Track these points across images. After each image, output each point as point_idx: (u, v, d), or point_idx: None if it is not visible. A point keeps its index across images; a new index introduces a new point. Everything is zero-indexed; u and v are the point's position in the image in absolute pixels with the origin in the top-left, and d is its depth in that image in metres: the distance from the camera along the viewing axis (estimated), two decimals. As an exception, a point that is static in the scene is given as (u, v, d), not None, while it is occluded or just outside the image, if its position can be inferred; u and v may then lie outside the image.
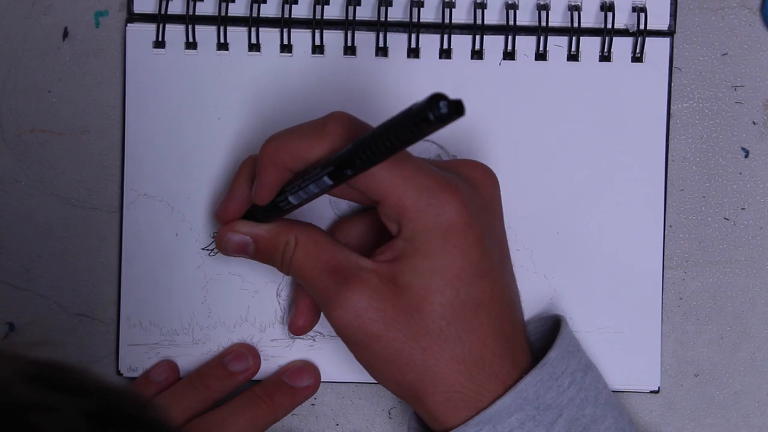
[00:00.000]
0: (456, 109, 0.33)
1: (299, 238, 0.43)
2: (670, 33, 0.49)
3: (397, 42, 0.49)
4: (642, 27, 0.49)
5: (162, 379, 0.49)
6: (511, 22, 0.49)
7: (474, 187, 0.42)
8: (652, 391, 0.50)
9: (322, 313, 0.45)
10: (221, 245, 0.45)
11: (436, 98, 0.33)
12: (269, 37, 0.50)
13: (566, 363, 0.43)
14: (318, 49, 0.49)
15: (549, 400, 0.41)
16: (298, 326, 0.48)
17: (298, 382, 0.49)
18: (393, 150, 0.36)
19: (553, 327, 0.46)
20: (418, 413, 0.43)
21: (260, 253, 0.45)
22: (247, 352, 0.49)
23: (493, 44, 0.49)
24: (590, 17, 0.49)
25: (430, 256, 0.40)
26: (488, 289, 0.41)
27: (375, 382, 0.50)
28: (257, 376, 0.50)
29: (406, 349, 0.41)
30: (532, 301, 0.49)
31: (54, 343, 0.50)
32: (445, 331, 0.41)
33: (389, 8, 0.49)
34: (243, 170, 0.45)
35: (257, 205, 0.44)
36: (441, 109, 0.33)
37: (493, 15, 0.49)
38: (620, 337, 0.49)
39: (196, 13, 0.49)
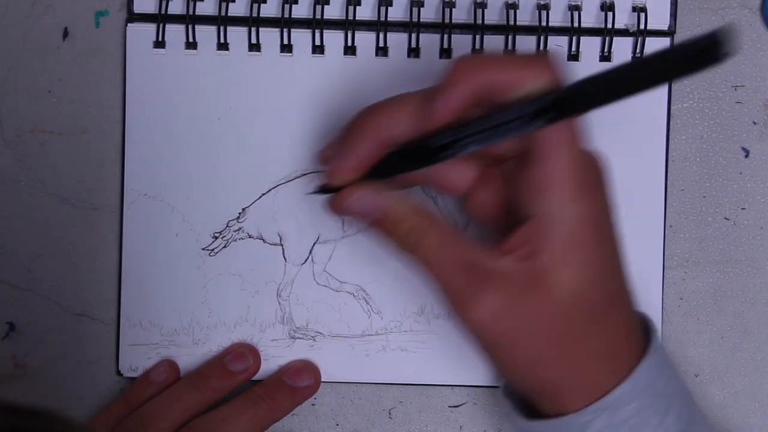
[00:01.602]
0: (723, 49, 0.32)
1: (432, 223, 0.40)
2: (670, 33, 0.49)
3: (397, 42, 0.49)
4: (642, 27, 0.49)
5: (162, 379, 0.49)
6: (511, 22, 0.49)
7: (605, 182, 0.40)
8: (652, 391, 0.50)
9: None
10: (341, 207, 0.41)
11: (722, 34, 0.31)
12: (269, 37, 0.50)
13: (663, 355, 0.42)
14: (318, 49, 0.49)
15: (660, 388, 0.41)
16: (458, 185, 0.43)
17: (299, 382, 0.49)
18: (631, 91, 0.34)
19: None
20: (541, 403, 0.42)
21: (385, 225, 0.41)
22: (247, 352, 0.49)
23: (494, 44, 0.49)
24: (590, 17, 0.49)
25: (573, 247, 0.38)
26: (621, 282, 0.41)
27: (375, 382, 0.50)
28: (257, 376, 0.50)
29: (548, 351, 0.39)
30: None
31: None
32: (587, 330, 0.39)
33: (389, 8, 0.49)
34: (373, 121, 0.41)
35: (403, 146, 0.40)
36: (723, 50, 0.31)
37: (493, 15, 0.49)
38: (620, 337, 0.49)
39: (196, 13, 0.49)
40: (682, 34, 0.50)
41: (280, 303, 0.50)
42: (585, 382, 0.40)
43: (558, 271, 0.38)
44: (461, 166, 0.43)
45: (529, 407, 0.43)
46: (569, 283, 0.39)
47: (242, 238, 0.50)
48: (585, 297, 0.39)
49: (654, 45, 0.49)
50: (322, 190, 0.43)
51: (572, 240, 0.38)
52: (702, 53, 0.32)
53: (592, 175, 0.39)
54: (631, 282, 0.42)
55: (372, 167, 0.41)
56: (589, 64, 0.49)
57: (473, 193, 0.43)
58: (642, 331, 0.43)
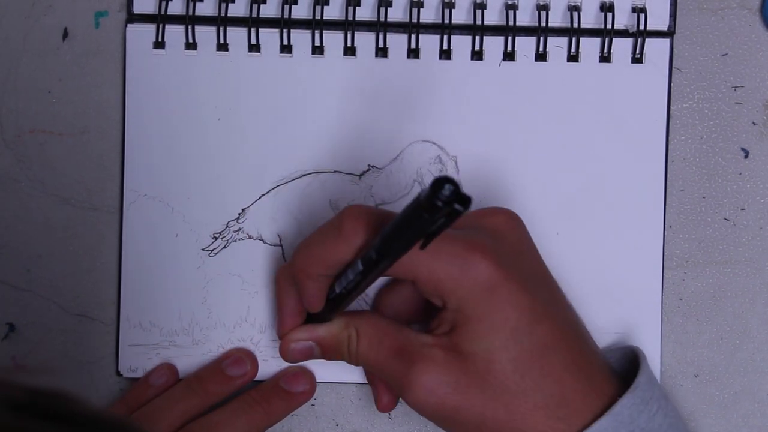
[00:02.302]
0: (459, 197, 0.33)
1: (360, 329, 0.44)
2: (669, 33, 0.49)
3: (397, 42, 0.49)
4: (642, 27, 0.49)
5: (161, 382, 0.49)
6: (511, 23, 0.49)
7: (500, 237, 0.42)
8: (651, 392, 0.50)
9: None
10: (286, 355, 0.46)
11: (440, 182, 0.32)
12: (269, 37, 0.50)
13: (652, 389, 0.42)
14: (318, 50, 0.49)
15: (642, 424, 0.41)
16: (384, 404, 0.47)
17: (295, 387, 0.49)
18: (414, 240, 0.36)
19: (624, 357, 0.46)
20: None
21: (327, 352, 0.45)
22: (245, 357, 0.49)
23: (493, 45, 0.49)
24: (590, 18, 0.49)
25: (482, 319, 0.40)
26: (549, 330, 0.41)
27: (375, 382, 0.50)
28: (257, 377, 0.50)
29: (488, 411, 0.41)
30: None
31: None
32: (521, 385, 0.41)
33: (389, 8, 0.49)
34: (281, 283, 0.46)
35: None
36: (444, 192, 0.32)
37: (493, 15, 0.49)
38: (620, 338, 0.49)
39: (196, 14, 0.49)
40: (682, 35, 0.50)
41: (279, 303, 0.50)
42: None
43: (471, 342, 0.41)
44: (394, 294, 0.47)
45: None
46: (483, 349, 0.40)
47: (242, 239, 0.50)
48: (504, 357, 0.40)
49: (654, 45, 0.49)
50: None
51: (476, 314, 0.41)
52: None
53: (464, 251, 0.40)
54: (580, 323, 0.44)
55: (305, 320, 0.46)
56: (588, 65, 0.49)
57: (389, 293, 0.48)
58: (627, 364, 0.44)
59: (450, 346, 0.41)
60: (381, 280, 0.45)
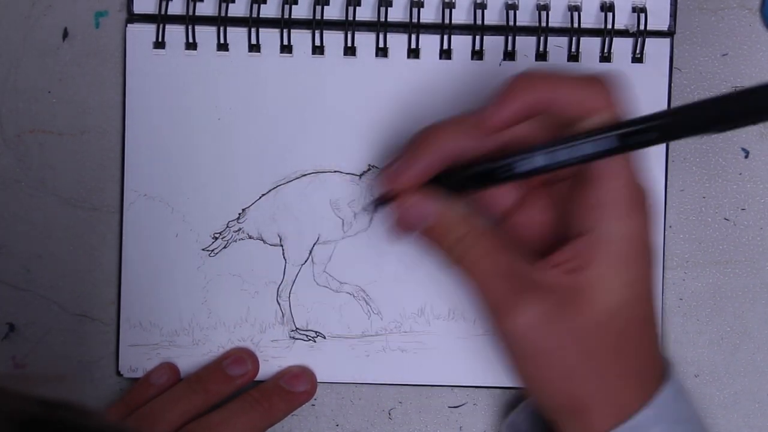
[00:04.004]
0: None
1: (483, 232, 0.41)
2: (670, 33, 0.49)
3: (397, 42, 0.49)
4: (642, 27, 0.49)
5: (162, 381, 0.49)
6: (511, 23, 0.49)
7: (647, 201, 0.40)
8: (651, 392, 0.50)
9: None
10: (397, 213, 0.42)
11: None
12: (269, 37, 0.50)
13: (681, 380, 0.42)
14: (318, 50, 0.49)
15: (682, 414, 0.41)
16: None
17: (295, 387, 0.49)
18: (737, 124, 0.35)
19: None
20: (560, 420, 0.41)
21: (433, 233, 0.41)
22: (246, 357, 0.50)
23: (493, 45, 0.49)
24: (590, 18, 0.49)
25: (620, 267, 0.39)
26: (653, 305, 0.41)
27: (375, 382, 0.50)
28: (257, 377, 0.50)
29: (581, 365, 0.39)
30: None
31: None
32: (622, 348, 0.40)
33: (389, 8, 0.49)
34: (440, 134, 0.41)
35: (461, 164, 0.40)
36: None
37: (493, 15, 0.49)
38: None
39: (196, 14, 0.49)
40: (682, 35, 0.50)
41: (280, 304, 0.50)
42: (613, 401, 0.40)
43: (602, 287, 0.39)
44: (506, 188, 0.43)
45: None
46: (611, 300, 0.39)
47: (242, 239, 0.50)
48: (623, 315, 0.39)
49: (654, 45, 0.49)
50: (379, 201, 0.44)
51: (621, 257, 0.39)
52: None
53: (643, 199, 0.40)
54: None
55: (431, 180, 0.41)
56: (588, 65, 0.49)
57: (516, 214, 0.44)
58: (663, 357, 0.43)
59: (571, 287, 0.39)
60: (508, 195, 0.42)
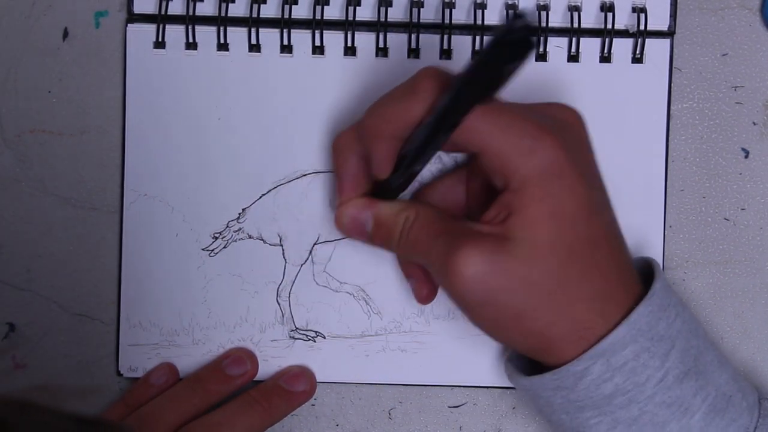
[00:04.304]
0: (528, 29, 0.33)
1: (419, 211, 0.43)
2: (670, 33, 0.49)
3: (397, 42, 0.49)
4: (642, 28, 0.49)
5: (162, 382, 0.49)
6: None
7: (567, 127, 0.42)
8: (651, 392, 0.50)
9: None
10: (340, 224, 0.45)
11: (514, 18, 0.33)
12: (269, 37, 0.50)
13: (669, 296, 0.42)
14: (318, 50, 0.49)
15: (661, 331, 0.41)
16: (424, 295, 0.47)
17: (295, 387, 0.49)
18: (489, 85, 0.36)
19: (639, 269, 0.45)
20: (539, 359, 0.43)
21: (379, 231, 0.44)
22: (245, 357, 0.50)
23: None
24: (590, 18, 0.49)
25: (542, 202, 0.40)
26: (602, 224, 0.41)
27: (375, 382, 0.50)
28: (257, 376, 0.50)
29: (533, 299, 0.40)
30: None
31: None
32: (569, 274, 0.40)
33: (389, 8, 0.49)
34: (341, 150, 0.45)
35: (379, 181, 0.44)
36: (518, 23, 0.33)
37: (493, 15, 0.49)
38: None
39: (196, 14, 0.49)
40: (682, 35, 0.50)
41: (279, 303, 0.50)
42: (575, 327, 0.40)
43: (526, 226, 0.40)
44: (450, 190, 0.47)
45: (533, 366, 0.44)
46: (538, 234, 0.40)
47: (242, 239, 0.50)
48: (558, 244, 0.40)
49: (654, 45, 0.49)
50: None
51: (536, 195, 0.40)
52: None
53: (535, 129, 0.40)
54: (618, 225, 0.43)
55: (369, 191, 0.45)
56: (589, 65, 0.49)
57: (451, 189, 0.47)
58: (640, 275, 0.43)
59: (502, 233, 0.40)
60: (425, 175, 0.45)
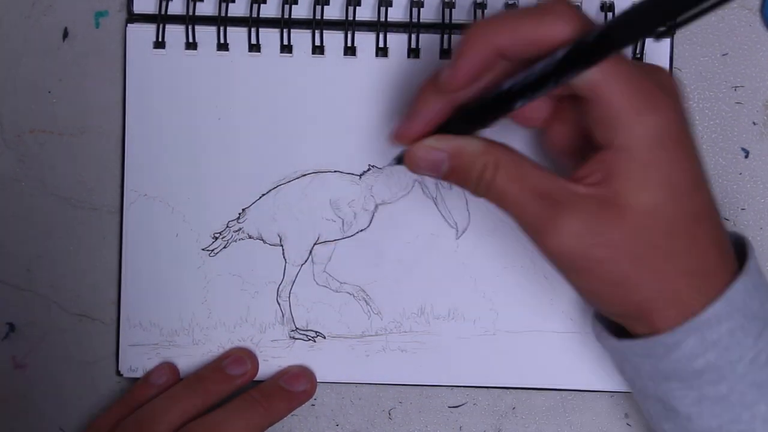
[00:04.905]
0: None
1: (502, 159, 0.40)
2: (670, 33, 0.49)
3: (397, 42, 0.49)
4: (642, 27, 0.49)
5: (162, 381, 0.49)
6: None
7: (677, 96, 0.40)
8: (651, 392, 0.50)
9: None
10: (413, 159, 0.42)
11: None
12: (269, 37, 0.50)
13: (760, 276, 0.42)
14: (318, 50, 0.49)
15: (755, 310, 0.40)
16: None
17: (295, 387, 0.49)
18: (651, 26, 0.34)
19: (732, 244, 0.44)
20: (629, 326, 0.42)
21: (454, 171, 0.41)
22: (245, 357, 0.50)
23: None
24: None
25: (651, 169, 0.38)
26: (705, 198, 0.40)
27: (375, 382, 0.50)
28: (257, 377, 0.50)
29: (634, 270, 0.39)
30: (532, 301, 0.49)
31: None
32: (672, 246, 0.39)
33: (389, 8, 0.49)
34: (427, 88, 0.42)
35: (456, 110, 0.41)
36: None
37: (493, 15, 0.49)
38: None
39: (196, 14, 0.49)
40: (682, 35, 0.50)
41: (279, 303, 0.50)
42: (673, 301, 0.40)
43: (632, 193, 0.38)
44: (536, 103, 0.43)
45: (621, 329, 0.43)
46: (644, 203, 0.39)
47: (242, 239, 0.50)
48: (663, 215, 0.39)
49: (654, 45, 0.49)
50: (399, 160, 0.44)
51: (644, 160, 0.38)
52: None
53: (654, 90, 0.38)
54: (716, 200, 0.42)
55: (439, 127, 0.42)
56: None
57: (549, 128, 0.44)
58: (734, 252, 0.42)
59: (605, 197, 0.39)
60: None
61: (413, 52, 0.49)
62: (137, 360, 0.50)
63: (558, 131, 0.44)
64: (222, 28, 0.49)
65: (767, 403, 0.40)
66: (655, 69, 0.41)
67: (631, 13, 0.35)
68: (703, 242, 0.40)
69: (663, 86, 0.39)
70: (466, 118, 0.41)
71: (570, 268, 0.40)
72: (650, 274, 0.39)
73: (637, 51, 0.49)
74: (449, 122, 0.42)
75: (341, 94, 0.50)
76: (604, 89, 0.38)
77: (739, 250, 0.43)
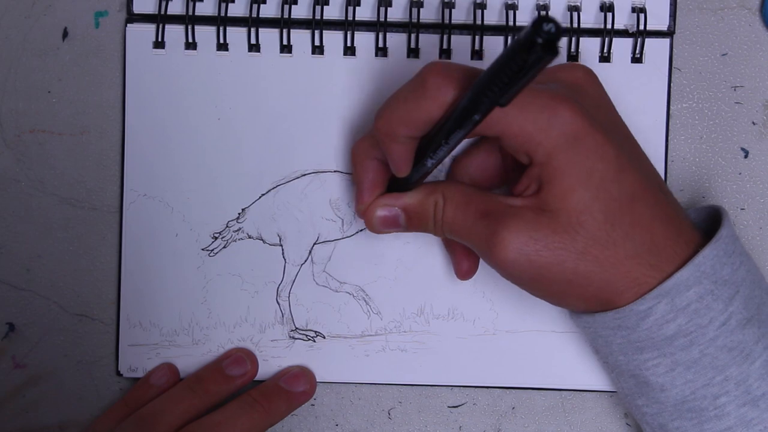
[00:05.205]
0: (557, 31, 0.32)
1: (446, 193, 0.43)
2: (669, 33, 0.49)
3: (397, 42, 0.49)
4: (642, 27, 0.49)
5: (162, 382, 0.49)
6: (511, 23, 0.49)
7: (580, 90, 0.42)
8: (651, 392, 0.50)
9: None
10: (371, 224, 0.45)
11: (540, 20, 0.31)
12: (269, 37, 0.50)
13: (734, 243, 0.42)
14: (318, 50, 0.49)
15: (725, 276, 0.41)
16: (464, 271, 0.48)
17: (295, 387, 0.49)
18: (510, 87, 0.35)
19: (707, 216, 0.45)
20: (599, 311, 0.43)
21: (412, 221, 0.45)
22: (245, 357, 0.50)
23: (493, 44, 0.49)
24: (590, 18, 0.49)
25: (571, 170, 0.40)
26: (636, 179, 0.41)
27: (374, 382, 0.50)
28: (257, 376, 0.50)
29: (580, 265, 0.41)
30: (531, 301, 0.49)
31: None
32: (612, 235, 0.40)
33: (389, 8, 0.49)
34: (359, 157, 0.45)
35: (398, 178, 0.44)
36: (545, 28, 0.31)
37: (492, 15, 0.49)
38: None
39: (196, 14, 0.49)
40: (682, 35, 0.50)
41: (279, 303, 0.50)
42: (629, 283, 0.41)
43: (560, 196, 0.40)
44: (481, 163, 0.47)
45: None
46: (573, 202, 0.40)
47: (242, 239, 0.50)
48: (593, 208, 0.40)
49: (653, 45, 0.49)
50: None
51: (562, 165, 0.40)
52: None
53: (549, 101, 0.40)
54: (660, 177, 0.43)
55: (388, 186, 0.46)
56: (588, 65, 0.49)
57: (475, 164, 0.47)
58: (708, 223, 0.44)
59: (538, 205, 0.41)
60: (456, 150, 0.44)
61: (413, 52, 0.49)
62: (137, 360, 0.50)
63: (491, 163, 0.47)
64: (222, 28, 0.49)
65: (738, 366, 0.41)
66: (553, 72, 0.43)
67: (481, 87, 0.36)
68: (646, 221, 0.41)
69: (564, 88, 0.41)
70: (402, 182, 0.44)
71: (522, 278, 0.42)
72: (596, 265, 0.41)
73: (637, 51, 0.49)
74: (392, 182, 0.45)
75: (341, 94, 0.50)
76: (506, 123, 0.40)
77: (716, 221, 0.44)
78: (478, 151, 0.47)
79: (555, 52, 0.32)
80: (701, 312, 0.41)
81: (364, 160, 0.45)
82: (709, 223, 0.45)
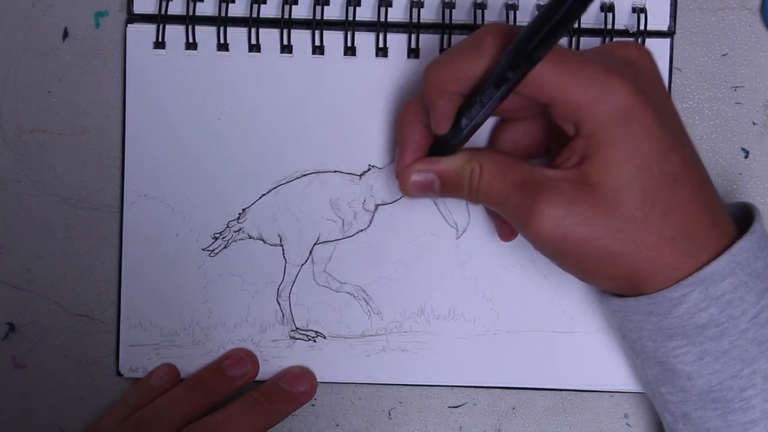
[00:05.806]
0: None
1: (483, 162, 0.43)
2: (670, 33, 0.49)
3: (397, 42, 0.49)
4: (642, 28, 0.49)
5: (162, 383, 0.49)
6: (511, 23, 0.49)
7: (635, 66, 0.42)
8: (651, 392, 0.50)
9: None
10: (405, 187, 0.45)
11: None
12: (269, 37, 0.50)
13: (766, 239, 0.42)
14: (318, 50, 0.49)
15: (759, 269, 0.41)
16: (507, 233, 0.48)
17: (296, 387, 0.49)
18: (553, 37, 0.35)
19: (737, 212, 0.45)
20: (628, 294, 0.43)
21: (447, 187, 0.44)
22: (245, 357, 0.50)
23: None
24: (590, 18, 0.49)
25: (616, 146, 0.40)
26: (680, 161, 0.41)
27: (375, 382, 0.50)
28: (257, 376, 0.50)
29: (615, 244, 0.40)
30: (532, 301, 0.49)
31: None
32: (650, 215, 0.40)
33: (389, 8, 0.49)
34: (406, 118, 0.45)
35: (439, 136, 0.44)
36: None
37: (492, 15, 0.49)
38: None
39: (196, 14, 0.49)
40: (682, 35, 0.50)
41: (280, 303, 0.50)
42: (661, 267, 0.41)
43: (602, 171, 0.40)
44: (525, 130, 0.47)
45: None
46: (615, 178, 0.40)
47: (242, 239, 0.50)
48: (635, 187, 0.40)
49: (654, 45, 0.49)
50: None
51: (610, 139, 0.40)
52: None
53: (605, 73, 0.40)
54: (703, 164, 0.43)
55: (429, 148, 0.45)
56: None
57: (520, 130, 0.47)
58: (738, 217, 0.43)
59: (578, 179, 0.40)
60: (493, 121, 0.45)
61: (413, 52, 0.49)
62: (137, 360, 0.50)
63: (535, 132, 0.46)
64: (222, 28, 0.49)
65: (767, 359, 0.41)
66: (608, 48, 0.43)
67: (521, 41, 0.37)
68: (685, 205, 0.41)
69: (618, 63, 0.41)
70: (441, 145, 0.44)
71: (555, 251, 0.42)
72: (632, 245, 0.40)
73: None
74: (434, 145, 0.45)
75: (341, 94, 0.50)
76: (555, 90, 0.40)
77: (747, 217, 0.43)
78: (522, 120, 0.46)
79: (586, 2, 0.33)
80: (734, 303, 0.40)
81: (411, 122, 0.45)
82: (738, 219, 0.44)
